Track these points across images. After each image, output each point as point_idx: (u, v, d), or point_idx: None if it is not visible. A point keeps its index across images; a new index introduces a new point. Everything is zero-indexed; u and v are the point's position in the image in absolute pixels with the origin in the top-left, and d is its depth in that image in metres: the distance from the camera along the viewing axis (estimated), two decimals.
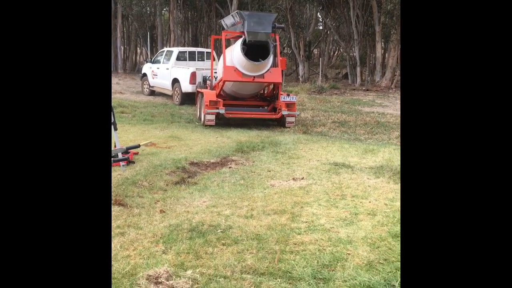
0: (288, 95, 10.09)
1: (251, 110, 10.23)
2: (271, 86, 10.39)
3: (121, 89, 17.47)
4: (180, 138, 8.12)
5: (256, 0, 22.75)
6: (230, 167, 6.17)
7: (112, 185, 4.99)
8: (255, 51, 9.36)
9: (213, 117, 9.49)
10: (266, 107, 10.36)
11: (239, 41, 9.37)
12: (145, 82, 16.17)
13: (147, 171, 5.58)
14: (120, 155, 5.37)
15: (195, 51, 15.40)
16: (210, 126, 9.53)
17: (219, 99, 9.67)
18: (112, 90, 6.35)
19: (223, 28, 10.92)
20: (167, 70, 14.36)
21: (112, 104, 6.73)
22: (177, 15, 27.42)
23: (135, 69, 28.18)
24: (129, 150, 5.85)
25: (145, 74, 16.16)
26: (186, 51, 15.21)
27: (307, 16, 26.74)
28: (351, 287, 2.81)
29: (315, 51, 31.54)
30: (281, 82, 10.18)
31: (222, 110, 9.44)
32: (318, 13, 27.71)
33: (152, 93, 15.70)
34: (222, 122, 9.94)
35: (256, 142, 7.84)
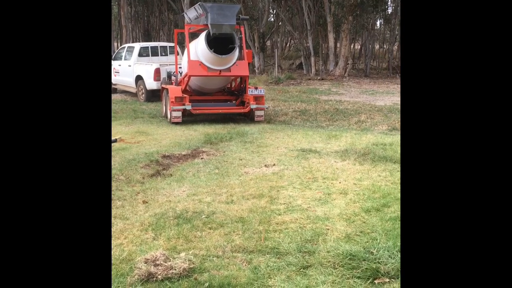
0: (256, 88, 9.88)
1: (219, 105, 9.95)
2: (238, 80, 10.22)
3: None
4: (147, 133, 8.18)
5: None
6: (202, 158, 6.33)
7: None
8: (220, 44, 9.12)
9: (179, 114, 9.23)
10: (234, 101, 10.13)
11: (203, 34, 9.09)
12: None
13: (121, 165, 5.65)
14: None
15: (157, 46, 15.00)
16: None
17: (185, 95, 9.43)
18: None
19: (186, 22, 10.69)
20: (130, 67, 13.98)
21: None
22: (127, 10, 26.97)
23: None
24: None
25: None
26: (148, 47, 14.81)
27: (259, 8, 26.97)
28: (335, 256, 3.08)
29: (268, 42, 31.87)
30: (248, 75, 9.93)
31: (188, 106, 9.21)
32: (270, 5, 28.03)
33: (114, 91, 15.29)
34: (188, 117, 9.82)
35: (223, 133, 8.02)
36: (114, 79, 15.00)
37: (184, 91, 9.68)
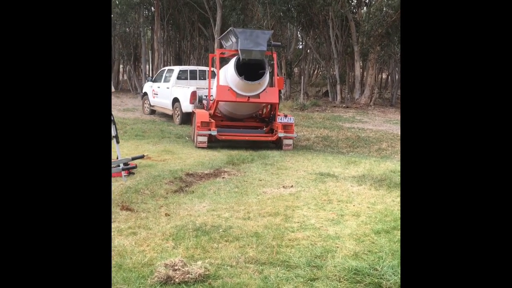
0: (286, 116, 9.56)
1: (247, 131, 9.76)
2: (269, 107, 10.01)
3: None
4: (173, 152, 8.54)
5: (239, 21, 23.44)
6: (223, 177, 6.62)
7: (117, 193, 5.39)
8: (250, 70, 9.01)
9: (205, 139, 9.11)
10: (264, 129, 9.96)
11: (233, 60, 9.05)
12: (145, 101, 16.01)
13: (147, 180, 5.98)
14: (121, 166, 5.78)
15: (196, 70, 15.01)
16: None
17: (212, 120, 9.32)
18: None
19: (219, 47, 10.75)
20: (168, 89, 14.13)
21: None
22: (160, 34, 27.95)
23: (117, 88, 28.47)
24: (128, 163, 6.25)
25: (145, 93, 15.99)
26: (187, 70, 14.92)
27: (288, 35, 27.57)
28: (341, 271, 3.27)
29: (296, 69, 32.35)
30: (278, 102, 9.67)
31: (214, 132, 9.08)
32: (299, 33, 28.61)
33: (153, 112, 15.52)
34: (215, 142, 9.55)
35: (245, 155, 8.30)
36: (153, 100, 15.26)
37: (214, 116, 9.64)
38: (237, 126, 10.02)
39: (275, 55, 9.80)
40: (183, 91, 13.03)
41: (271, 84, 9.61)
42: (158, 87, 14.84)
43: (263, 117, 10.34)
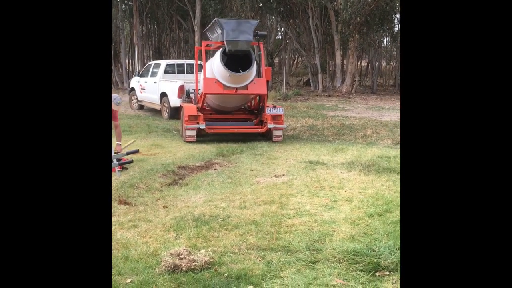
0: (275, 107, 9.41)
1: (236, 124, 9.65)
2: (258, 98, 9.80)
3: None
4: (162, 146, 8.58)
5: (218, 12, 23.36)
6: (215, 169, 6.71)
7: (112, 188, 5.44)
8: (237, 61, 8.82)
9: (193, 132, 8.96)
10: (253, 121, 9.81)
11: (219, 51, 8.84)
12: (133, 97, 15.71)
13: (141, 175, 6.04)
14: (115, 161, 5.83)
15: (183, 64, 14.72)
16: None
17: (200, 114, 9.16)
18: None
19: (202, 39, 10.58)
20: (155, 84, 13.85)
21: None
22: (139, 28, 27.70)
23: None
24: (120, 159, 6.29)
25: (133, 88, 15.68)
26: (174, 64, 14.61)
27: (267, 26, 27.61)
28: (340, 253, 3.42)
29: (276, 59, 32.45)
30: (266, 93, 9.49)
31: (202, 125, 8.93)
32: (278, 23, 28.69)
33: (141, 108, 15.29)
34: (204, 136, 9.48)
35: (234, 147, 8.40)
36: (140, 95, 15.04)
37: (202, 109, 9.52)
38: (226, 119, 9.90)
39: (261, 45, 9.60)
40: (171, 86, 12.81)
41: (259, 75, 9.33)
42: (145, 82, 14.65)
43: (252, 109, 10.20)
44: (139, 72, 15.87)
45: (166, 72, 13.97)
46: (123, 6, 28.16)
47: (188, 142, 9.00)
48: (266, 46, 25.13)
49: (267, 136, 9.38)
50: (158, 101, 13.64)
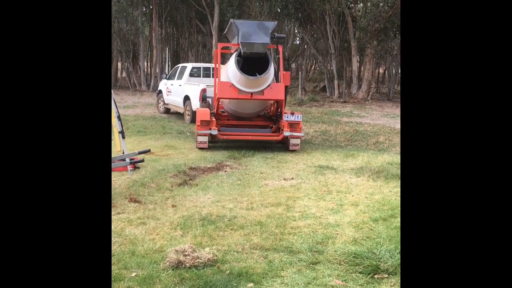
0: (293, 113, 8.79)
1: (252, 130, 9.15)
2: (276, 104, 9.22)
3: None
4: (175, 147, 8.72)
5: (236, 17, 23.57)
6: (225, 171, 6.81)
7: (124, 186, 5.59)
8: (253, 64, 8.32)
9: (205, 138, 8.55)
10: (271, 128, 9.34)
11: (234, 54, 8.32)
12: (160, 99, 15.42)
13: (152, 174, 6.18)
14: (127, 160, 5.96)
15: (209, 67, 14.17)
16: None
17: (213, 119, 8.74)
18: None
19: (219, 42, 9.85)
20: (180, 87, 13.53)
21: None
22: (158, 31, 28.08)
23: (117, 85, 28.63)
24: (132, 158, 6.43)
25: (160, 91, 15.42)
26: (200, 67, 14.26)
27: (285, 31, 27.71)
28: (341, 255, 3.48)
29: (293, 65, 32.55)
30: (284, 99, 8.81)
31: (214, 131, 8.49)
32: (296, 29, 28.77)
33: (168, 111, 14.97)
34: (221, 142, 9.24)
35: (246, 150, 8.49)
36: (167, 98, 14.79)
37: (217, 115, 9.17)
38: (241, 125, 9.46)
39: (280, 48, 9.00)
40: (194, 89, 12.39)
41: (277, 79, 8.82)
42: (172, 85, 14.38)
43: (271, 115, 9.67)
44: (166, 75, 15.63)
45: (191, 75, 13.69)
46: (143, 9, 28.57)
47: (200, 148, 8.65)
48: (283, 51, 25.25)
49: (284, 145, 8.97)
50: (181, 105, 13.36)
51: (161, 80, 16.69)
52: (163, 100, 15.18)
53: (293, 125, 8.62)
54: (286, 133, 8.54)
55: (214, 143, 9.21)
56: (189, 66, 14.18)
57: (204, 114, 8.77)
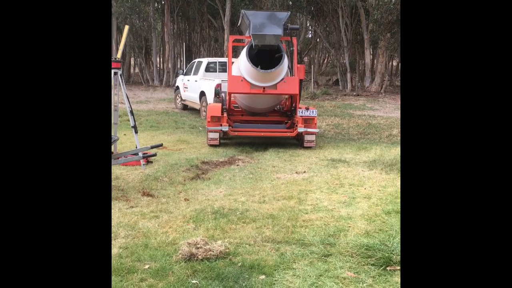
0: (307, 108, 8.38)
1: (265, 126, 8.82)
2: (290, 99, 8.95)
3: (121, 99, 18.05)
4: (188, 142, 8.77)
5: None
6: (238, 165, 6.83)
7: (137, 180, 5.64)
8: (265, 57, 8.04)
9: (216, 135, 8.32)
10: (286, 123, 9.01)
11: (246, 47, 8.03)
12: (177, 96, 15.28)
13: (165, 169, 6.22)
14: (140, 154, 6.01)
15: (225, 62, 13.42)
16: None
17: (224, 115, 8.42)
18: (113, 100, 7.00)
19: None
20: (196, 83, 13.26)
21: (118, 113, 7.26)
22: (170, 27, 28.16)
23: (130, 81, 28.82)
24: (145, 152, 6.48)
25: (178, 87, 15.21)
26: (216, 62, 13.97)
27: (297, 25, 27.60)
28: (353, 247, 3.47)
29: (305, 59, 32.43)
30: (298, 93, 8.46)
31: (225, 127, 8.22)
32: (308, 22, 28.63)
33: (185, 107, 14.67)
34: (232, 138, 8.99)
35: (258, 144, 8.51)
36: (184, 94, 14.50)
37: (230, 110, 8.87)
38: (255, 120, 9.14)
39: (295, 40, 8.59)
40: (209, 84, 12.11)
41: (291, 73, 8.50)
42: (188, 80, 14.11)
43: (285, 111, 9.39)
44: (183, 71, 15.34)
45: (207, 70, 13.38)
46: (156, 5, 28.67)
47: (211, 146, 8.39)
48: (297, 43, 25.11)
49: (299, 141, 8.65)
50: (198, 101, 13.04)
51: (177, 76, 16.38)
52: (180, 97, 14.96)
53: (307, 121, 8.28)
54: (300, 129, 8.21)
55: (226, 139, 9.13)
56: (205, 61, 13.87)
57: (215, 109, 8.55)
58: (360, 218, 4.27)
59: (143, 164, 6.25)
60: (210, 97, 11.88)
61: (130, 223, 4.10)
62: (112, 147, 6.05)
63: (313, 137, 8.32)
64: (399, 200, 4.80)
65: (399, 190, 5.21)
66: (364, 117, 13.00)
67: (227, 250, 3.44)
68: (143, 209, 4.54)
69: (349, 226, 4.05)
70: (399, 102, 18.19)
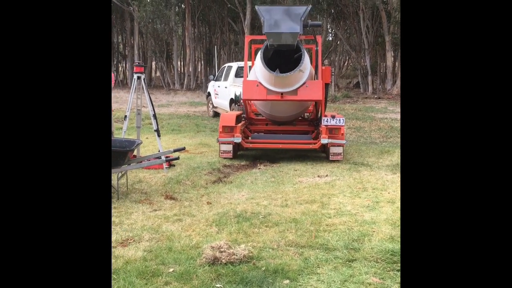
0: (333, 116, 7.27)
1: (289, 137, 7.90)
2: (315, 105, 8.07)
3: (144, 103, 18.25)
4: (209, 145, 8.80)
5: None
6: (259, 168, 6.83)
7: (160, 183, 5.68)
8: (284, 59, 7.22)
9: (229, 147, 7.33)
10: (311, 134, 8.13)
11: (262, 48, 7.11)
12: (209, 103, 14.53)
13: (187, 172, 6.26)
14: (163, 158, 6.07)
15: None
16: None
17: (237, 125, 7.43)
18: (136, 104, 7.07)
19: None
20: (226, 89, 12.65)
21: (141, 116, 7.28)
22: (191, 30, 28.41)
23: (151, 85, 29.14)
24: (167, 156, 6.53)
25: (209, 93, 14.51)
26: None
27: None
28: (378, 253, 3.43)
29: (326, 61, 32.31)
30: (323, 99, 7.41)
31: (238, 139, 7.20)
32: (329, 24, 28.52)
33: (217, 114, 13.23)
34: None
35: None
36: (215, 101, 13.74)
37: (251, 119, 8.13)
38: (278, 131, 8.27)
39: (319, 39, 7.57)
40: (239, 90, 10.81)
41: (314, 76, 7.57)
42: (218, 87, 13.43)
43: (311, 119, 8.41)
44: (213, 76, 14.63)
45: (237, 75, 12.45)
46: (177, 9, 28.97)
47: (224, 158, 7.44)
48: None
49: (326, 154, 7.53)
50: (228, 108, 12.10)
51: (209, 81, 15.77)
52: (212, 103, 14.18)
53: (332, 131, 7.20)
54: (324, 140, 7.13)
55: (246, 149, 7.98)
56: (235, 65, 13.08)
57: (228, 119, 7.58)
58: (384, 222, 4.22)
59: (166, 168, 6.30)
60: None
61: (153, 226, 4.13)
62: (135, 150, 6.12)
63: (340, 149, 7.24)
64: None
65: None
66: (386, 120, 12.87)
67: (251, 254, 3.44)
68: (166, 212, 4.57)
69: (373, 231, 4.00)
70: None
